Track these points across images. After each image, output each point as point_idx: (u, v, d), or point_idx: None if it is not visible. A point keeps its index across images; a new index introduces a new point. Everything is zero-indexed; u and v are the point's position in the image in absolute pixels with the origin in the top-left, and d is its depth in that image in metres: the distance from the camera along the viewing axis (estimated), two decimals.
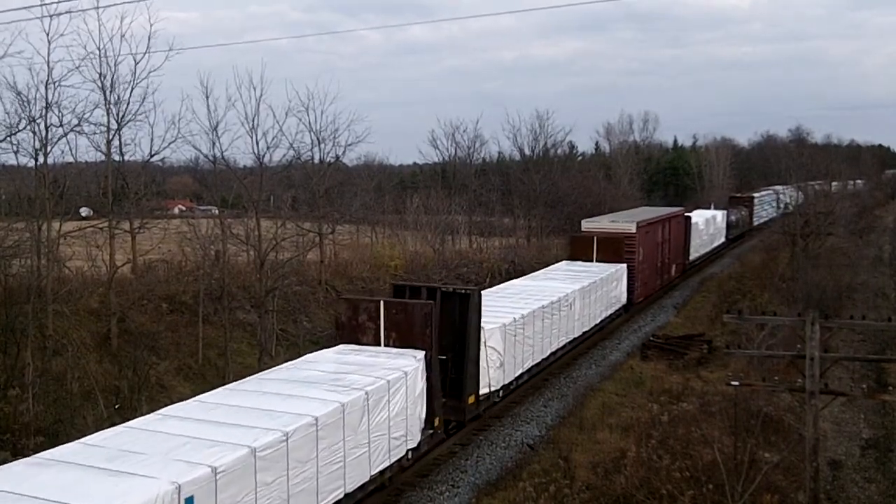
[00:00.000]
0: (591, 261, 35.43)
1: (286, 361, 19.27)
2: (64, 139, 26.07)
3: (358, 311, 19.35)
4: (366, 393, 15.68)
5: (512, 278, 34.62)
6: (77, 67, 26.00)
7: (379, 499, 17.51)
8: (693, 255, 50.15)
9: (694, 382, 25.92)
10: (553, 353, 27.33)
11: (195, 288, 29.37)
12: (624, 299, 35.51)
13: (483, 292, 26.66)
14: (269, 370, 17.84)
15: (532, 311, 24.95)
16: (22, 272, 25.14)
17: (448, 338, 20.11)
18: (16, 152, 25.26)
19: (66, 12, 24.80)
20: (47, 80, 24.63)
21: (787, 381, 16.46)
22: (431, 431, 18.57)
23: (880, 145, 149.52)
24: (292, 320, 31.82)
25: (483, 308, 21.51)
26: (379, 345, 18.93)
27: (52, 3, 23.23)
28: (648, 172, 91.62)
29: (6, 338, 22.60)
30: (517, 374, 24.01)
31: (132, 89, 27.67)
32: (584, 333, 30.56)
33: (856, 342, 30.05)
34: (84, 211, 32.83)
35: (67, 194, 27.19)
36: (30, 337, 22.60)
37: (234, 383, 16.77)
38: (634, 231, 36.71)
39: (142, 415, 15.82)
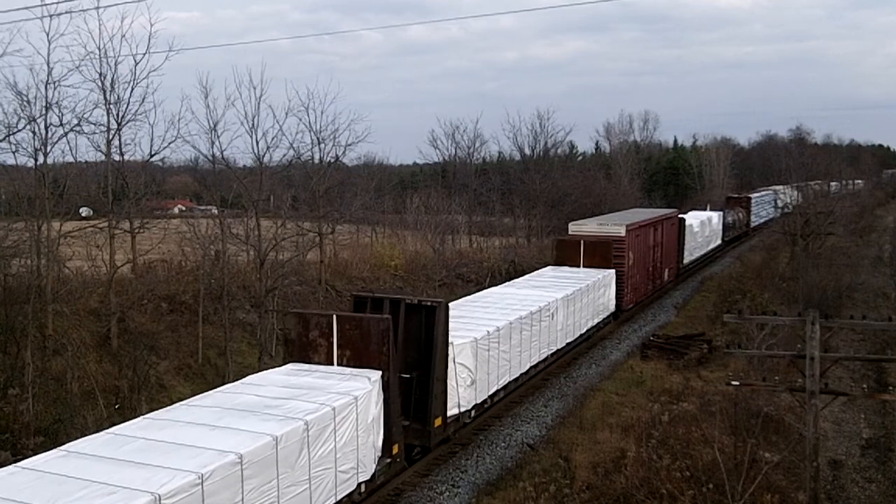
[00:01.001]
0: (578, 266, 33.81)
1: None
2: (64, 139, 26.07)
3: (309, 326, 17.44)
4: (305, 423, 13.80)
5: (512, 278, 34.59)
6: (77, 67, 26.02)
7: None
8: (687, 258, 48.74)
9: (694, 382, 25.90)
10: (534, 367, 25.59)
11: (195, 288, 29.36)
12: (612, 307, 33.90)
13: (458, 302, 25.44)
14: (203, 395, 15.80)
15: (509, 323, 23.14)
16: (22, 272, 25.13)
17: (413, 354, 18.69)
18: (15, 152, 25.25)
19: (67, 12, 24.78)
20: (47, 79, 24.64)
21: (787, 380, 16.45)
22: (389, 460, 16.84)
23: (880, 145, 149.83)
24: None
25: (455, 320, 20.37)
26: (332, 364, 17.20)
27: (53, 2, 23.25)
28: (648, 172, 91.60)
29: (6, 337, 22.59)
30: (492, 392, 22.22)
31: (132, 89, 27.68)
32: (569, 344, 28.83)
33: (856, 342, 30.04)
34: (84, 211, 32.81)
35: (67, 194, 27.18)
36: (30, 337, 22.59)
37: (160, 410, 14.87)
38: (624, 234, 35.20)
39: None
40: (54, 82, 24.75)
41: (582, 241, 34.37)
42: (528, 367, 24.89)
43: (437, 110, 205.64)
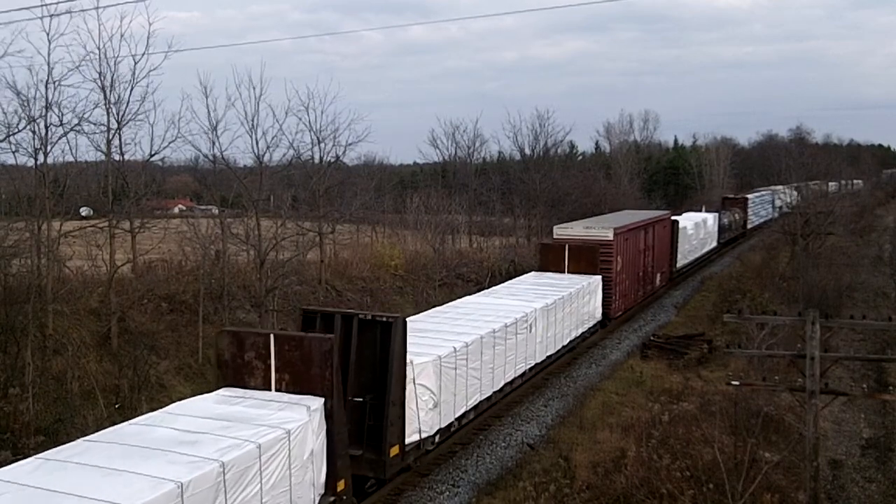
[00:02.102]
0: (563, 272, 32.33)
1: None
2: (64, 139, 26.00)
3: (244, 346, 15.60)
4: (222, 465, 11.85)
5: (512, 277, 34.51)
6: (77, 67, 25.94)
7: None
8: (681, 261, 47.22)
9: (694, 382, 25.94)
10: (509, 384, 23.85)
11: (195, 287, 29.35)
12: (599, 315, 32.36)
13: (427, 314, 24.03)
14: (114, 428, 13.64)
15: (480, 338, 21.28)
16: (22, 272, 25.10)
17: (367, 375, 17.08)
18: (15, 152, 25.20)
19: (67, 12, 24.71)
20: (47, 79, 24.58)
21: (787, 380, 16.49)
22: (333, 499, 14.93)
23: (880, 145, 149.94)
24: (292, 320, 31.78)
25: (420, 335, 19.32)
26: (269, 389, 15.33)
27: (53, 2, 23.20)
28: (648, 172, 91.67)
29: (6, 337, 22.58)
30: (459, 414, 20.39)
31: (132, 89, 27.63)
32: (550, 357, 27.13)
33: (856, 342, 30.08)
34: (84, 210, 32.80)
35: (67, 194, 27.15)
36: (30, 336, 22.58)
37: (59, 448, 12.64)
38: (612, 238, 33.73)
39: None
40: (54, 82, 24.71)
41: (567, 246, 33.00)
42: (502, 385, 23.14)
43: (437, 110, 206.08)
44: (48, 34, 24.50)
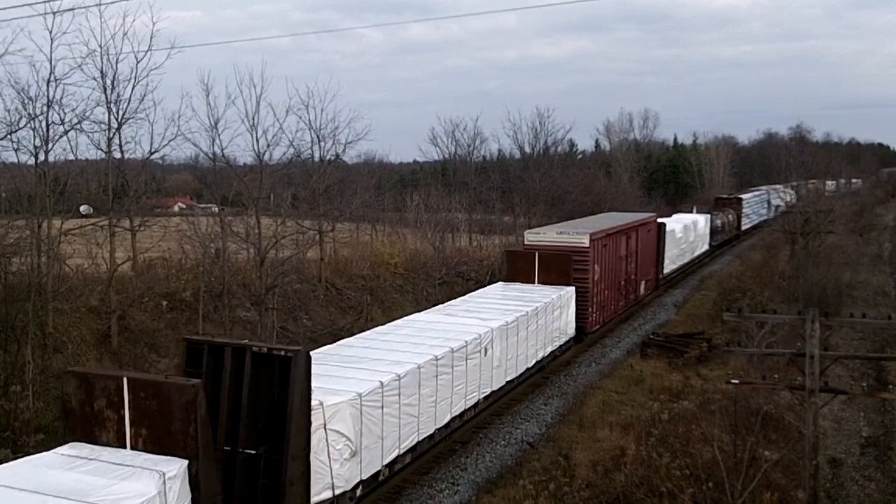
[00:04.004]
0: (532, 282, 29.35)
1: None
2: (65, 137, 26.05)
3: (93, 391, 12.75)
4: None
5: None
6: (79, 65, 25.98)
7: (378, 494, 17.06)
8: (669, 267, 44.32)
9: (694, 380, 25.96)
10: (458, 417, 20.75)
11: (195, 286, 29.37)
12: (571, 330, 29.36)
13: (359, 337, 21.19)
14: None
15: (417, 368, 18.20)
16: (22, 270, 25.12)
17: (264, 421, 14.06)
18: (16, 150, 25.25)
19: (70, 9, 24.67)
20: (49, 77, 24.61)
21: (787, 379, 16.49)
22: None
23: (880, 144, 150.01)
24: (292, 318, 31.83)
25: (343, 365, 17.19)
26: (124, 446, 12.56)
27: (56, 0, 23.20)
28: (648, 170, 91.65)
29: (6, 335, 22.60)
30: (390, 460, 17.46)
31: (133, 87, 27.67)
32: (511, 382, 24.11)
33: (856, 340, 30.14)
34: (84, 209, 32.81)
35: (68, 192, 27.18)
36: (30, 334, 22.60)
37: None
38: (587, 245, 30.50)
39: None
40: (56, 80, 24.76)
41: (537, 254, 29.87)
42: (448, 420, 20.09)
43: (437, 108, 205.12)
44: (50, 32, 24.54)
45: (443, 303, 27.26)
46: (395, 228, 54.03)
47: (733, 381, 16.59)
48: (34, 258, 24.85)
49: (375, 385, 16.65)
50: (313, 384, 14.31)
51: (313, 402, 14.31)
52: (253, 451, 13.90)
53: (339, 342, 20.75)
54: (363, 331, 23.42)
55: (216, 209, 40.01)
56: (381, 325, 23.88)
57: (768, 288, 38.56)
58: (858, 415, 23.50)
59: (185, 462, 12.00)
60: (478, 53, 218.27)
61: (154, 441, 12.37)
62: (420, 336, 20.97)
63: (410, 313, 26.08)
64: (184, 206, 67.48)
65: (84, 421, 12.86)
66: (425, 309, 26.64)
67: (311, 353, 14.76)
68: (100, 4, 26.19)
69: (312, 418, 14.25)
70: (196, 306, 28.49)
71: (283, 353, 14.11)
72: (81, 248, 29.48)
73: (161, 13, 43.34)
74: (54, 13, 24.13)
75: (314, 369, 14.41)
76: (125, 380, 12.62)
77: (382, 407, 16.82)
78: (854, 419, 23.18)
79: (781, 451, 17.45)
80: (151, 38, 27.13)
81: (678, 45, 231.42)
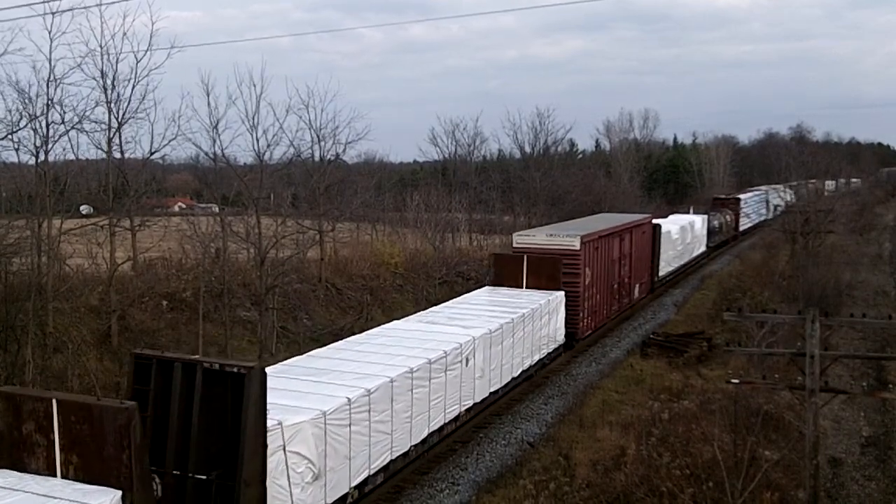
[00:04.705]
0: (521, 287, 28.18)
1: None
2: (65, 137, 26.07)
3: (21, 414, 11.83)
4: None
5: None
6: (79, 65, 26.00)
7: (379, 494, 17.09)
8: (664, 269, 43.08)
9: (694, 380, 25.99)
10: (437, 432, 19.55)
11: (195, 285, 29.37)
12: (561, 337, 28.22)
13: (329, 349, 19.89)
14: None
15: (389, 381, 16.99)
16: (22, 270, 25.13)
17: (215, 443, 13.08)
18: (17, 150, 25.26)
19: (69, 9, 24.71)
20: (49, 77, 24.62)
21: (787, 378, 16.52)
22: None
23: (880, 143, 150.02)
24: (293, 318, 31.85)
25: (309, 379, 16.28)
26: (54, 474, 11.65)
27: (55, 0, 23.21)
28: (649, 170, 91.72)
29: (7, 335, 22.62)
30: (358, 482, 16.25)
31: (133, 87, 27.71)
32: (496, 393, 22.94)
33: (856, 340, 30.16)
34: (84, 208, 32.84)
35: (68, 192, 27.19)
36: (30, 334, 22.61)
37: None
38: (578, 248, 29.39)
39: None
40: (56, 80, 24.77)
41: (525, 257, 28.79)
42: (425, 435, 18.89)
43: (437, 108, 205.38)
44: (50, 32, 24.55)
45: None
46: (395, 228, 54.07)
47: (733, 380, 16.60)
48: (34, 258, 24.86)
49: (342, 402, 15.38)
50: (274, 401, 13.56)
51: (272, 422, 13.35)
52: (204, 477, 12.95)
53: (308, 353, 19.52)
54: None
55: (216, 209, 40.04)
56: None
57: (768, 288, 38.61)
58: (858, 414, 23.51)
59: (119, 493, 11.12)
60: (478, 53, 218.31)
61: (86, 469, 11.48)
62: (396, 346, 19.68)
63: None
64: (184, 206, 67.50)
65: (13, 446, 11.91)
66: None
67: (276, 365, 14.06)
68: (100, 4, 26.28)
69: (270, 440, 13.23)
70: (196, 306, 28.49)
71: (236, 369, 13.07)
72: (81, 247, 29.49)
73: (161, 13, 43.40)
74: (53, 13, 24.17)
75: (276, 384, 13.62)
76: (54, 402, 11.73)
77: (350, 425, 15.62)
78: (854, 419, 23.19)
79: (782, 451, 17.47)
80: (151, 37, 27.23)
81: (678, 44, 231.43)
